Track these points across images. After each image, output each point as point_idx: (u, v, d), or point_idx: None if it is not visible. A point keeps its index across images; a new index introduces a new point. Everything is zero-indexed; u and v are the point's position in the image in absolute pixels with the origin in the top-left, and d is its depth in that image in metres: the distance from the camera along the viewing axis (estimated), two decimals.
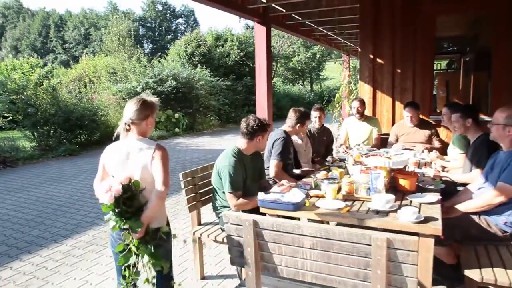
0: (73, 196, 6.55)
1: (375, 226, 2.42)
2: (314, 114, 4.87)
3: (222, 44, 20.30)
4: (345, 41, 9.53)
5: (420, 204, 2.67)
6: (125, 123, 2.32)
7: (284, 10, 6.48)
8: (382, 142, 5.15)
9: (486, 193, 2.67)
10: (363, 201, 2.79)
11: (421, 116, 4.94)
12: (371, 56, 5.61)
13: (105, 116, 12.84)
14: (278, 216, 2.73)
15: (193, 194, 3.31)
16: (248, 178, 3.14)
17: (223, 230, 3.23)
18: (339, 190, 2.93)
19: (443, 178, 3.35)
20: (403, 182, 2.96)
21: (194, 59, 18.13)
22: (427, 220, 2.34)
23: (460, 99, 8.53)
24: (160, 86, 14.56)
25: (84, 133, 11.95)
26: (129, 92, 14.37)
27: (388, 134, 5.13)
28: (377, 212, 2.54)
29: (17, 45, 56.68)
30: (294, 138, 4.45)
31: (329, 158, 4.35)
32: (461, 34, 8.61)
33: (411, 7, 5.27)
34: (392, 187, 3.05)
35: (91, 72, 17.99)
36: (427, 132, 4.69)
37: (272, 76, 24.61)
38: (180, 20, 59.76)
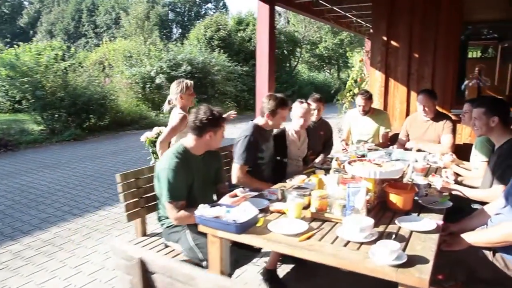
0: (56, 185, 6.14)
1: (337, 266, 1.73)
2: (313, 106, 4.13)
3: (244, 28, 19.51)
4: (367, 24, 8.56)
5: (411, 232, 1.94)
6: (169, 100, 3.72)
7: None
8: (393, 140, 4.36)
9: (506, 225, 1.90)
10: (336, 223, 2.09)
11: (440, 109, 4.10)
12: (385, 38, 4.76)
13: (115, 100, 12.49)
14: (231, 242, 2.09)
15: (135, 199, 2.70)
16: (197, 184, 2.50)
17: (166, 246, 2.63)
18: (309, 205, 2.24)
19: (453, 192, 2.57)
20: (394, 198, 2.23)
21: (213, 44, 17.49)
22: (411, 262, 1.62)
23: (494, 91, 7.46)
24: (174, 71, 14.05)
25: (92, 118, 11.64)
26: (142, 76, 13.97)
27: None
28: (347, 243, 1.84)
29: (51, 29, 57.98)
30: (290, 131, 3.75)
31: (319, 158, 3.61)
32: (499, 17, 7.47)
33: None
34: (382, 203, 2.32)
35: (111, 56, 17.75)
36: (440, 128, 3.86)
37: (296, 62, 23.66)
38: (209, 5, 59.08)
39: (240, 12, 21.65)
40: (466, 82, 7.58)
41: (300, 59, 24.94)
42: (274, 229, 1.98)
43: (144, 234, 2.83)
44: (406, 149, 4.10)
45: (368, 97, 4.30)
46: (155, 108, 14.67)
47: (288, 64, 22.45)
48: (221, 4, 59.51)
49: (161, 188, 2.41)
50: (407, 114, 4.75)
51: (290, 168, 3.74)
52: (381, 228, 2.00)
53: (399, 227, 2.00)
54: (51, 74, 11.21)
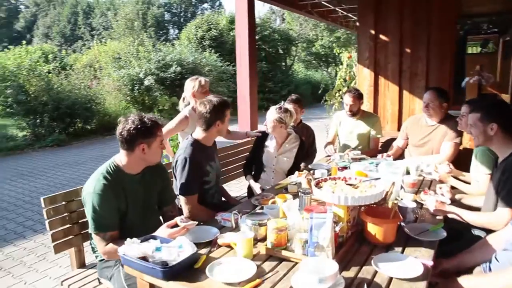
0: (26, 197, 5.71)
1: None
2: (289, 107, 3.67)
3: None
4: (355, 17, 8.08)
5: (391, 280, 1.48)
6: (183, 97, 3.49)
7: None
8: (384, 147, 3.89)
9: None
10: (295, 263, 1.63)
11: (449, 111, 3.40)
12: (372, 32, 4.29)
13: (101, 104, 12.04)
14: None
15: (66, 226, 2.26)
16: (133, 210, 2.04)
17: (100, 282, 2.17)
18: (265, 238, 1.79)
19: (450, 216, 2.11)
20: (373, 229, 1.77)
21: (204, 43, 17.01)
22: None
23: (495, 88, 7.00)
24: (163, 72, 13.58)
25: (78, 122, 11.20)
26: (131, 78, 13.52)
27: (393, 138, 3.83)
28: None
29: (48, 32, 57.60)
30: (269, 141, 3.31)
31: (295, 176, 2.98)
32: (499, 9, 7.00)
33: None
34: (359, 232, 1.86)
35: (101, 58, 17.33)
36: (444, 134, 3.34)
37: (292, 61, 23.20)
38: (205, 5, 58.60)
39: (232, 12, 21.24)
40: (466, 79, 7.11)
41: (296, 57, 24.47)
42: (213, 275, 1.53)
43: (82, 265, 2.38)
44: (400, 155, 3.64)
45: (357, 95, 3.82)
46: (145, 110, 14.22)
47: (283, 63, 21.98)
48: (217, 4, 59.06)
49: (88, 215, 1.96)
50: (400, 116, 4.29)
51: (264, 175, 3.34)
52: (351, 272, 1.54)
53: (375, 271, 1.54)
54: (35, 77, 10.77)
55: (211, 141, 2.61)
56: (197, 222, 1.92)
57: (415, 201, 2.32)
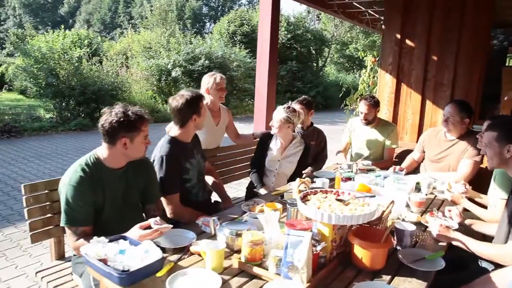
0: (39, 178, 5.75)
1: None
2: (296, 108, 3.49)
3: None
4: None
5: None
6: None
7: None
8: (400, 158, 3.65)
9: None
10: (265, 282, 1.48)
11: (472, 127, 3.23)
12: (398, 36, 4.03)
13: (128, 92, 12.19)
14: None
15: (47, 216, 2.18)
16: (111, 206, 1.94)
17: (74, 278, 2.09)
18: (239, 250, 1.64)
19: (454, 243, 1.88)
20: (360, 252, 1.58)
21: (235, 39, 16.94)
22: None
23: None
24: (191, 65, 13.61)
25: (103, 108, 11.37)
26: (159, 68, 13.63)
27: (410, 150, 3.58)
28: None
29: (89, 19, 59.44)
30: (273, 143, 3.16)
31: (296, 183, 2.80)
32: None
33: None
34: (345, 254, 1.68)
35: (134, 47, 17.61)
36: (462, 148, 3.08)
37: (324, 62, 22.78)
38: (243, 0, 58.68)
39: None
40: None
41: (329, 59, 24.01)
42: (173, 286, 1.39)
43: (61, 257, 2.31)
44: (415, 169, 3.39)
45: (373, 103, 3.59)
46: None
47: (315, 64, 21.61)
48: (255, 0, 58.96)
49: (61, 207, 1.88)
50: (420, 127, 4.01)
51: (265, 178, 3.21)
52: None
53: None
54: (65, 61, 11.02)
55: (189, 137, 2.48)
56: (172, 226, 1.79)
57: (419, 222, 2.11)
